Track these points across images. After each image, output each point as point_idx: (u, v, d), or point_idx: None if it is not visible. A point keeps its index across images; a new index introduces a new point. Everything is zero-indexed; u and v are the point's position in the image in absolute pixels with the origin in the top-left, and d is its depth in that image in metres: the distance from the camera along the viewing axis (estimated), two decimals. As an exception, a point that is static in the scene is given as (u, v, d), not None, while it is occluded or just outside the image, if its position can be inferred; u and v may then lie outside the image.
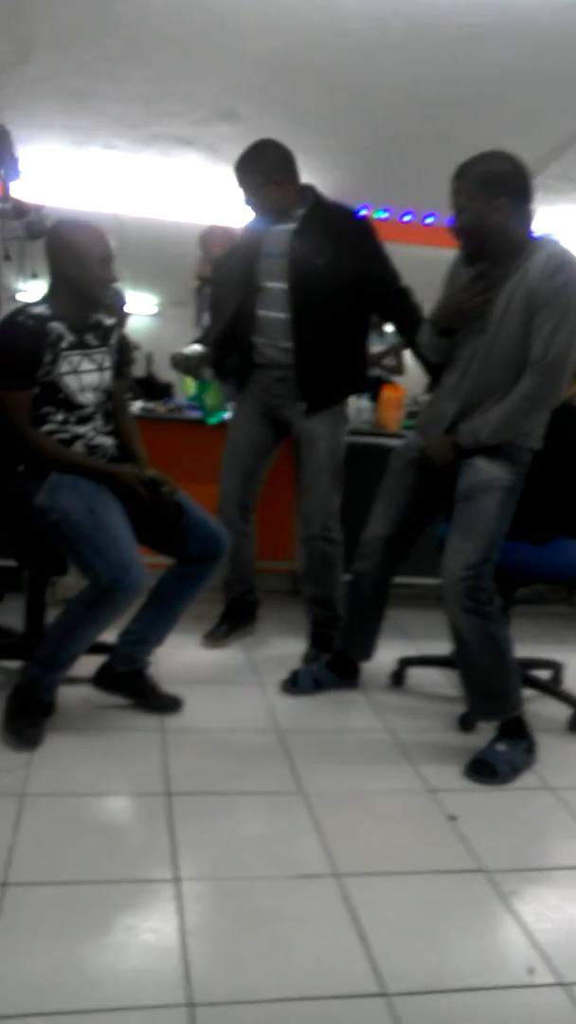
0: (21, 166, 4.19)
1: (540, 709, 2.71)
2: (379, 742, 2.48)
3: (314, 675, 2.80)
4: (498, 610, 2.34)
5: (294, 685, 2.76)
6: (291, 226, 2.82)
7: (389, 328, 3.81)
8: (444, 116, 4.02)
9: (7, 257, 4.31)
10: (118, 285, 2.97)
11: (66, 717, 2.39)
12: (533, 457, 2.38)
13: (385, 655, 2.85)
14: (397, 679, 2.93)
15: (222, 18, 3.48)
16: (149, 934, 1.58)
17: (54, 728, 2.31)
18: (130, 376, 2.82)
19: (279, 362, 2.90)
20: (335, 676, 2.82)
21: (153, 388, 4.24)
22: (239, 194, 2.85)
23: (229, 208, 3.05)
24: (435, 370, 2.57)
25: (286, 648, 3.02)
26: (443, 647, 2.65)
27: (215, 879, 1.76)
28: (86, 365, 2.39)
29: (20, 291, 4.46)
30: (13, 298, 4.44)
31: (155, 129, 4.33)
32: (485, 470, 2.31)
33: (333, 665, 2.83)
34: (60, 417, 2.36)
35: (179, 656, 2.85)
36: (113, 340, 2.50)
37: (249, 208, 2.88)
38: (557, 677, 2.99)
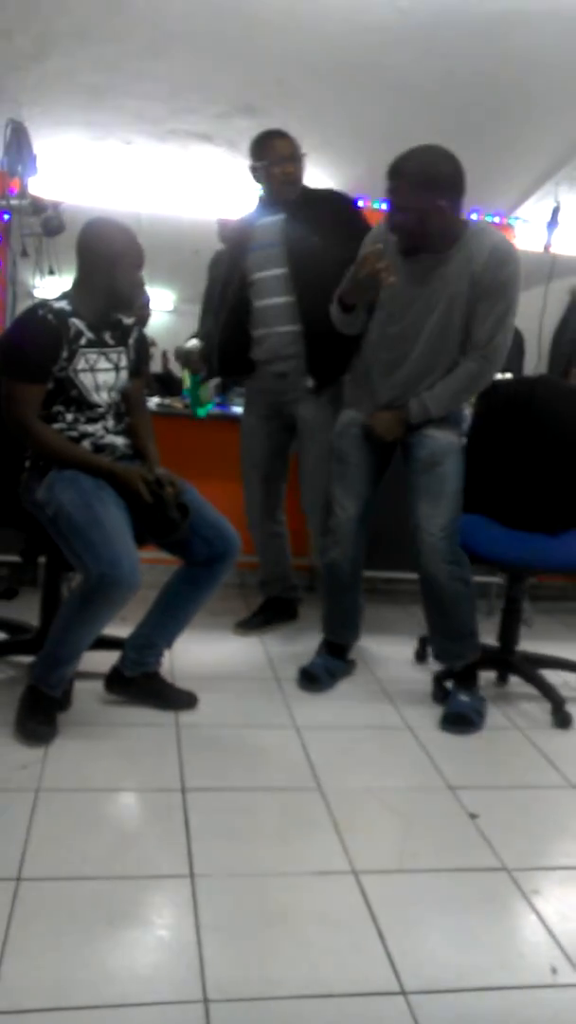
0: (39, 162, 4.22)
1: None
2: (398, 738, 2.45)
3: (326, 667, 2.78)
4: (465, 556, 2.54)
5: (312, 682, 2.73)
6: (280, 216, 2.89)
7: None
8: (467, 109, 3.99)
9: (24, 253, 4.33)
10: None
11: (81, 712, 2.38)
12: (545, 447, 2.57)
13: (403, 647, 2.80)
14: (420, 657, 3.05)
15: (240, 13, 3.48)
16: (164, 930, 1.56)
17: (69, 723, 2.30)
18: (148, 375, 2.81)
19: (279, 352, 2.93)
20: (341, 661, 2.84)
21: (170, 384, 4.23)
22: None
23: (247, 203, 3.07)
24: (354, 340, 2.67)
25: (303, 644, 2.99)
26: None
27: (231, 875, 1.74)
28: (103, 364, 2.37)
29: (36, 287, 4.46)
30: (30, 294, 4.45)
31: (173, 124, 4.33)
32: (440, 438, 2.54)
33: (333, 650, 2.83)
34: (71, 416, 2.34)
35: (195, 651, 2.83)
36: (131, 339, 2.48)
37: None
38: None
